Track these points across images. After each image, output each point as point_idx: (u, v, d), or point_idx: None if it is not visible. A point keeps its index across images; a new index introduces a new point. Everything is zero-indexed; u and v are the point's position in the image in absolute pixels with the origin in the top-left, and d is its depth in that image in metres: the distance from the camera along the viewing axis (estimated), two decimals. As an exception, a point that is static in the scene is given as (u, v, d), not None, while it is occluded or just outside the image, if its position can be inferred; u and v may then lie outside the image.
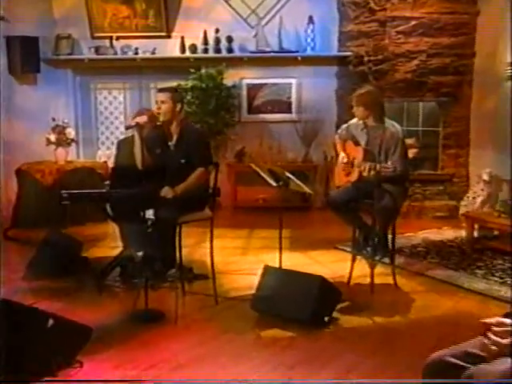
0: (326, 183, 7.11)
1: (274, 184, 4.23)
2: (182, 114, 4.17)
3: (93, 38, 7.08)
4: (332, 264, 4.94)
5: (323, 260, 5.09)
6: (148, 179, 3.84)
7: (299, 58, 6.89)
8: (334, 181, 4.65)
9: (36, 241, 4.85)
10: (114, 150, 6.91)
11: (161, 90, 4.17)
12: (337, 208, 4.33)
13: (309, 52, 6.86)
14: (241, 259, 5.13)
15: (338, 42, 7.03)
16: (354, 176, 4.32)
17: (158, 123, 4.09)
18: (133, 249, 4.11)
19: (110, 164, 6.38)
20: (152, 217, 3.63)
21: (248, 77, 7.15)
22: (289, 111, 7.23)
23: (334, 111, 7.16)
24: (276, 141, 7.22)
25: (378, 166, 3.98)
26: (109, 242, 5.44)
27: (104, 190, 4.33)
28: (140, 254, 3.76)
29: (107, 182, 6.03)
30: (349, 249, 5.14)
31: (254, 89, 7.21)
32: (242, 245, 5.73)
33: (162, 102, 4.00)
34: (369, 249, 4.32)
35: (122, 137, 7.09)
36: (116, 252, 4.67)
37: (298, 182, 4.12)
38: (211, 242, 4.03)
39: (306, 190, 4.33)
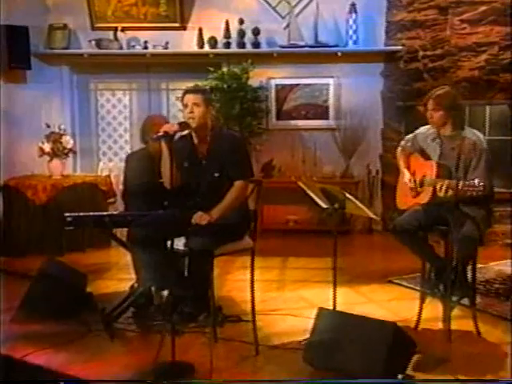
0: (370, 203, 6.91)
1: (325, 206, 3.94)
2: (212, 121, 3.99)
3: (93, 29, 7.02)
4: (389, 303, 4.68)
5: (377, 297, 4.83)
6: (175, 199, 3.71)
7: (339, 54, 6.80)
8: (397, 203, 4.33)
9: (28, 273, 4.75)
10: (117, 162, 7.10)
11: (191, 91, 3.96)
12: (404, 236, 4.04)
13: (350, 46, 6.77)
14: (277, 296, 4.88)
15: (385, 34, 6.90)
16: (425, 197, 4.02)
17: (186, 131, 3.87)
18: (154, 285, 3.91)
19: (114, 178, 6.40)
20: (181, 247, 3.46)
21: (277, 76, 7.09)
22: (325, 117, 7.13)
23: (379, 117, 7.04)
24: (310, 152, 7.12)
25: (460, 184, 3.66)
26: (116, 273, 5.33)
27: (119, 213, 4.19)
28: (164, 293, 3.49)
29: (111, 200, 6.24)
30: (406, 283, 4.99)
31: (284, 90, 7.12)
32: (275, 277, 5.50)
33: (196, 104, 3.80)
34: (442, 286, 3.99)
35: (127, 147, 7.29)
36: (126, 285, 4.53)
37: (360, 204, 3.82)
38: (252, 278, 3.87)
39: (370, 214, 4.03)
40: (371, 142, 6.97)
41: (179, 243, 3.49)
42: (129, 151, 7.28)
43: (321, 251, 6.11)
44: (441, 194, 3.86)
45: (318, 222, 6.94)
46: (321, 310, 3.70)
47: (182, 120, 4.03)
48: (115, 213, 4.16)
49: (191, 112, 3.80)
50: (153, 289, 3.97)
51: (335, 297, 3.88)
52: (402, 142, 4.43)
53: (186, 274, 3.57)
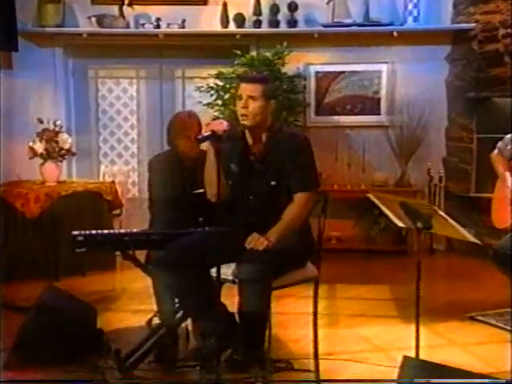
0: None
1: (401, 225, 3.64)
2: (272, 116, 3.82)
3: (93, 2, 7.02)
4: (476, 347, 4.42)
5: (458, 339, 4.59)
6: (217, 214, 3.58)
7: (395, 34, 6.76)
8: (494, 219, 4.14)
9: (16, 303, 4.68)
10: (122, 166, 7.23)
11: (248, 80, 3.80)
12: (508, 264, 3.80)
13: (409, 25, 6.75)
14: (330, 334, 4.64)
15: (453, 8, 6.84)
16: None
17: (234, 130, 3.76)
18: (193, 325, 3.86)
19: (119, 186, 6.40)
20: (229, 277, 3.35)
21: (318, 62, 7.06)
22: (376, 112, 7.11)
23: (443, 111, 6.99)
24: (357, 155, 7.06)
25: None
26: (127, 304, 5.23)
27: (143, 231, 3.97)
28: (212, 341, 3.36)
29: (117, 212, 6.32)
30: (494, 321, 4.77)
31: (325, 79, 7.10)
32: (324, 310, 5.32)
33: (251, 97, 3.63)
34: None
35: (133, 147, 7.35)
36: (142, 319, 4.50)
37: (454, 223, 3.55)
38: (315, 319, 3.81)
39: (470, 237, 3.72)
40: (433, 143, 6.89)
41: (226, 271, 3.37)
42: (135, 152, 7.33)
43: (374, 277, 6.11)
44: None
45: (367, 240, 6.95)
46: (406, 359, 3.44)
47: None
48: (136, 231, 3.91)
49: (245, 107, 3.63)
50: (189, 327, 3.96)
51: (418, 341, 3.63)
52: (500, 144, 4.35)
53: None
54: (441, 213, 3.59)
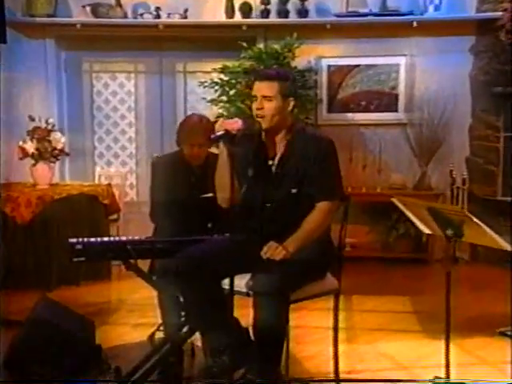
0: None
1: (428, 232, 3.69)
2: (292, 115, 3.76)
3: None
4: (509, 366, 4.32)
5: (489, 357, 4.54)
6: (232, 222, 3.56)
7: (414, 24, 6.76)
8: None
9: (10, 316, 4.65)
10: (119, 167, 7.28)
11: (261, 77, 3.69)
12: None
13: (430, 14, 6.78)
14: (349, 350, 4.61)
15: None
16: None
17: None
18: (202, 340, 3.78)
19: (116, 189, 6.43)
20: (243, 289, 3.34)
21: (330, 55, 7.08)
22: (394, 108, 7.12)
23: (467, 108, 6.98)
24: (373, 155, 7.06)
25: None
26: (126, 316, 5.21)
27: (146, 239, 3.88)
28: (224, 359, 3.33)
29: (114, 217, 6.35)
30: None
31: (339, 73, 7.12)
32: (340, 323, 5.27)
33: (267, 98, 3.56)
34: None
35: (131, 147, 7.37)
36: (143, 334, 4.50)
37: (491, 231, 3.49)
38: (335, 331, 3.78)
39: (505, 245, 3.66)
40: (455, 142, 6.88)
41: (239, 283, 3.35)
42: (133, 152, 7.34)
43: (392, 287, 6.14)
44: None
45: (384, 248, 6.97)
46: (436, 379, 3.44)
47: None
48: (140, 238, 3.82)
49: (260, 108, 3.57)
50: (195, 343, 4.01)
51: (448, 360, 3.61)
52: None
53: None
54: (475, 219, 3.53)
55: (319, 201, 3.62)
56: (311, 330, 4.79)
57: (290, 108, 3.61)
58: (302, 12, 6.79)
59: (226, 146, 3.51)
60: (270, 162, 3.67)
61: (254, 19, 6.83)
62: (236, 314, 3.44)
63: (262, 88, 3.58)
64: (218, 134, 3.45)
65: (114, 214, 6.29)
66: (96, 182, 6.75)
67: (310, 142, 3.67)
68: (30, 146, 5.99)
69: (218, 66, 6.49)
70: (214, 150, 4.01)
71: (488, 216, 6.23)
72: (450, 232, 3.59)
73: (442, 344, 4.36)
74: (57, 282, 5.75)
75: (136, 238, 3.88)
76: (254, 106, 3.61)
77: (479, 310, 5.36)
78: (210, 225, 3.84)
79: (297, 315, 4.16)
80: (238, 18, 6.83)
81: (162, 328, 4.28)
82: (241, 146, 3.62)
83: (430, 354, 4.27)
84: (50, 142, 6.04)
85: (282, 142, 3.67)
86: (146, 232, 4.20)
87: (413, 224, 3.90)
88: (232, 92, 6.43)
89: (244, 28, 6.81)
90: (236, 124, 3.45)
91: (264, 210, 3.62)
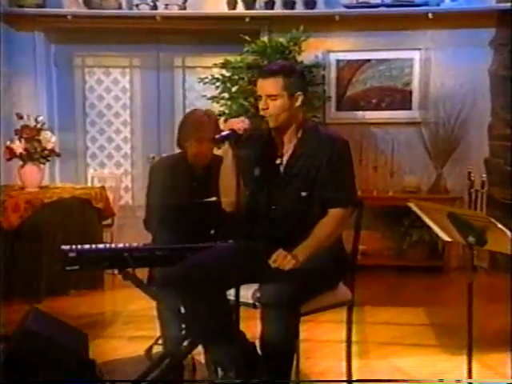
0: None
1: (447, 239, 3.66)
2: (302, 111, 3.73)
3: None
4: None
5: None
6: (238, 228, 3.49)
7: (430, 16, 6.76)
8: None
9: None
10: (113, 169, 7.33)
11: (264, 74, 3.65)
12: None
13: (446, 4, 6.80)
14: (361, 365, 4.59)
15: None
16: None
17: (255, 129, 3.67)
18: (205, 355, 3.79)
19: (110, 192, 6.45)
20: (250, 300, 3.33)
21: (339, 49, 7.12)
22: (408, 106, 7.15)
23: (486, 105, 6.97)
24: (385, 156, 7.09)
25: None
26: (121, 329, 5.22)
27: (145, 246, 3.89)
28: (231, 375, 3.33)
29: (108, 222, 6.39)
30: None
31: (348, 69, 7.16)
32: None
33: (271, 97, 3.54)
34: None
35: (126, 147, 7.43)
36: (140, 347, 4.48)
37: None
38: (348, 346, 3.83)
39: None
40: (473, 142, 6.88)
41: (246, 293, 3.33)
42: (128, 153, 7.38)
43: (406, 298, 6.16)
44: None
45: (397, 255, 7.00)
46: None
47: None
48: (138, 245, 3.83)
49: (265, 108, 3.56)
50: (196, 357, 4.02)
51: (471, 377, 3.54)
52: None
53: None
54: (499, 226, 3.48)
55: (332, 207, 3.61)
56: (320, 344, 4.79)
57: (298, 103, 3.57)
58: (310, 3, 6.80)
59: (232, 146, 3.50)
60: (278, 161, 3.66)
61: (258, 11, 6.85)
62: (242, 326, 3.42)
63: (265, 86, 3.56)
64: (224, 133, 3.44)
65: (108, 218, 6.31)
66: (89, 184, 6.78)
67: (324, 142, 3.65)
68: (18, 146, 5.98)
69: (220, 60, 6.51)
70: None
71: (509, 221, 6.22)
72: (472, 239, 3.55)
73: (460, 359, 4.35)
74: (45, 291, 5.76)
75: (134, 244, 3.89)
76: (260, 105, 3.60)
77: (501, 323, 5.31)
78: (212, 231, 3.84)
79: (304, 328, 4.14)
80: (240, 9, 6.84)
81: (160, 341, 4.27)
82: (247, 147, 3.61)
83: (447, 370, 4.27)
84: (39, 141, 6.04)
85: (292, 140, 3.66)
86: (143, 238, 4.18)
87: (430, 230, 3.90)
88: (234, 89, 6.45)
89: (247, 20, 6.80)
90: (242, 123, 3.44)
91: (270, 213, 3.62)
